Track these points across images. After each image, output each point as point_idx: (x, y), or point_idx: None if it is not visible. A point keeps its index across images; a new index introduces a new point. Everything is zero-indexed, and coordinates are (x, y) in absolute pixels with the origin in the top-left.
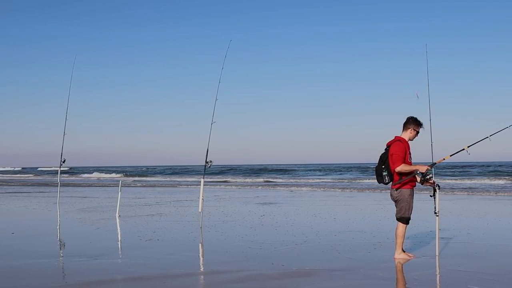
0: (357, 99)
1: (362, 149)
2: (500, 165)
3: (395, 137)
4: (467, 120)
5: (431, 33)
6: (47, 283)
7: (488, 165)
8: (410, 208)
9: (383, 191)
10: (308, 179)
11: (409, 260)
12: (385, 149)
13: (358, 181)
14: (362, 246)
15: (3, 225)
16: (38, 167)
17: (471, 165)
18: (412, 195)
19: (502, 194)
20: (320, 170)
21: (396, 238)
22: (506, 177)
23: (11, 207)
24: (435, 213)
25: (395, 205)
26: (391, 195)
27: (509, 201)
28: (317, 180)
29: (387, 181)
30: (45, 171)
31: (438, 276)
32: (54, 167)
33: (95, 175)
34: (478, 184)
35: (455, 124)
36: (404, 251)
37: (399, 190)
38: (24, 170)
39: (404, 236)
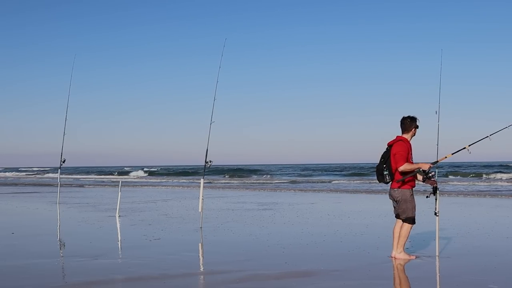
0: (358, 99)
1: (363, 150)
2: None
3: (397, 136)
4: (469, 120)
5: (431, 33)
6: (47, 283)
7: (491, 165)
8: (413, 207)
9: (372, 193)
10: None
11: (409, 260)
12: (387, 149)
13: (362, 182)
14: (382, 245)
15: (3, 225)
16: (19, 167)
17: (473, 165)
18: (413, 195)
19: (499, 196)
20: (321, 170)
21: (399, 237)
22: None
23: (11, 207)
24: (435, 213)
25: (394, 205)
26: (390, 194)
27: (510, 201)
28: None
29: (388, 180)
30: (24, 170)
31: (438, 276)
32: (35, 167)
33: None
34: (479, 185)
35: (456, 124)
36: (404, 252)
37: (399, 190)
38: (5, 170)
39: (408, 236)
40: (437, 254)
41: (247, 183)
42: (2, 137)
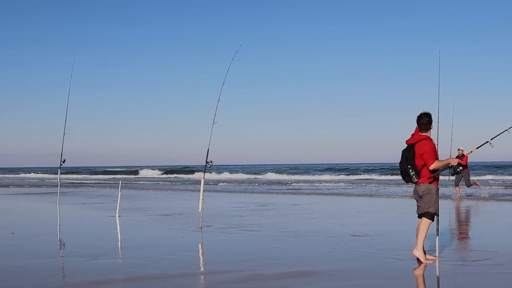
0: (358, 99)
1: (363, 150)
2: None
3: (420, 135)
4: (468, 120)
5: (430, 33)
6: (47, 283)
7: (496, 165)
8: (436, 203)
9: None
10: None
11: (426, 263)
12: (407, 148)
13: (366, 184)
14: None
15: (3, 225)
16: (19, 167)
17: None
18: (438, 191)
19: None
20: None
21: (417, 234)
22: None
23: (11, 207)
24: (435, 213)
25: (418, 202)
26: (415, 191)
27: (510, 202)
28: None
29: (415, 180)
30: (24, 170)
31: (438, 276)
32: (35, 167)
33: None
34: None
35: (455, 123)
36: (425, 252)
37: (425, 185)
38: (5, 171)
39: (426, 233)
40: (437, 254)
41: (245, 183)
42: (2, 137)
